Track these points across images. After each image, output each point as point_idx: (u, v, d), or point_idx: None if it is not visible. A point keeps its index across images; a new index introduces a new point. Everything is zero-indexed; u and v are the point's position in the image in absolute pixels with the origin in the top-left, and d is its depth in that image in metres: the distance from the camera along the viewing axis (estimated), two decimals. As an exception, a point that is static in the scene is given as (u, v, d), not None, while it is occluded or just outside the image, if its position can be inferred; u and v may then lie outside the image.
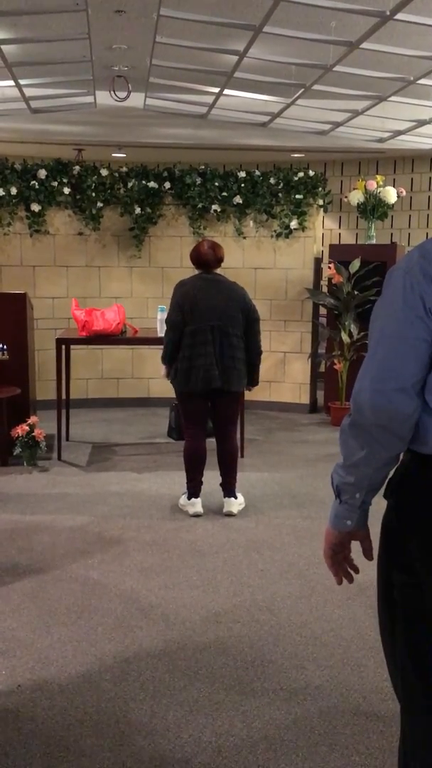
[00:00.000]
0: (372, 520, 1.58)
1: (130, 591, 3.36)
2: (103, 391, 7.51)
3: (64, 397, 5.82)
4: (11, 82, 5.78)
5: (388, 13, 4.11)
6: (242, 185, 7.21)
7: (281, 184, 7.16)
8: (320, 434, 6.50)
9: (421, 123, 6.83)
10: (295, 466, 5.49)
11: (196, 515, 4.32)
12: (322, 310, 7.36)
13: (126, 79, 5.82)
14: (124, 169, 7.25)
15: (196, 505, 4.35)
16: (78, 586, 3.40)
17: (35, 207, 7.04)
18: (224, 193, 7.24)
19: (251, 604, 3.25)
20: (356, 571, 1.67)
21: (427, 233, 8.72)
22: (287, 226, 7.20)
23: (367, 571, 1.71)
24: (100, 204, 7.17)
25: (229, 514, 4.35)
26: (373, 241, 7.19)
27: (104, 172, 7.16)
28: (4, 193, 6.91)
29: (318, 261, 7.43)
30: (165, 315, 5.24)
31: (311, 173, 7.19)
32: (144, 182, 7.20)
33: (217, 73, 5.62)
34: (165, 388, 4.72)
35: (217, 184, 7.23)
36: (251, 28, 4.53)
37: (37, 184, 7.00)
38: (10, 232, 7.09)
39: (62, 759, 2.23)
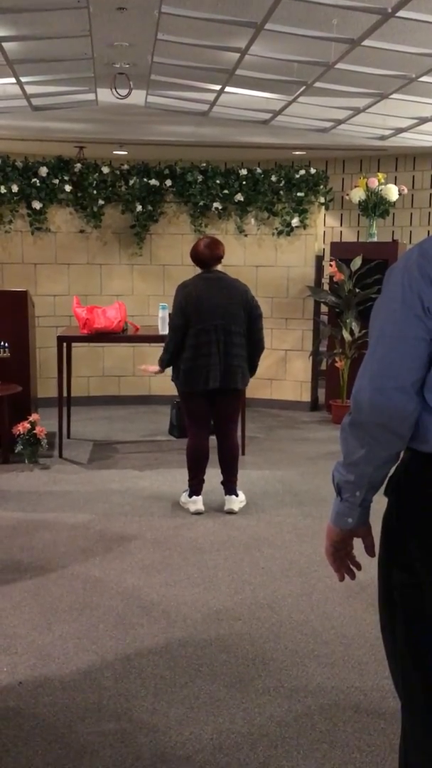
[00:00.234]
0: (373, 517, 1.58)
1: (131, 588, 3.36)
2: (105, 388, 7.51)
3: (65, 394, 5.82)
4: (12, 80, 5.77)
5: (389, 10, 4.11)
6: (244, 183, 7.21)
7: (283, 182, 7.15)
8: (321, 432, 6.50)
9: (423, 120, 6.82)
10: (296, 463, 5.49)
11: (198, 513, 4.33)
12: (324, 308, 7.36)
13: (127, 76, 5.82)
14: (126, 166, 7.25)
15: (198, 503, 4.35)
16: (79, 583, 3.40)
17: (36, 204, 7.04)
18: (225, 191, 7.23)
19: (252, 601, 3.25)
20: (358, 568, 1.68)
21: (428, 231, 8.72)
22: (289, 224, 7.19)
23: (368, 569, 1.71)
24: (101, 202, 7.17)
25: (230, 512, 4.36)
26: (375, 239, 7.19)
27: (105, 170, 7.16)
28: (5, 191, 6.91)
29: (319, 259, 7.42)
30: (166, 313, 5.26)
31: (313, 171, 7.18)
32: (145, 180, 7.19)
33: (219, 70, 5.62)
34: (166, 386, 4.72)
35: (218, 181, 7.22)
36: (253, 26, 4.53)
37: (38, 181, 7.00)
38: (11, 230, 7.09)
39: (64, 756, 2.23)
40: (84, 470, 5.26)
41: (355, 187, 7.14)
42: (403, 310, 1.42)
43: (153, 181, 7.20)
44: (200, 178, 7.21)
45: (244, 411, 5.46)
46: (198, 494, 4.38)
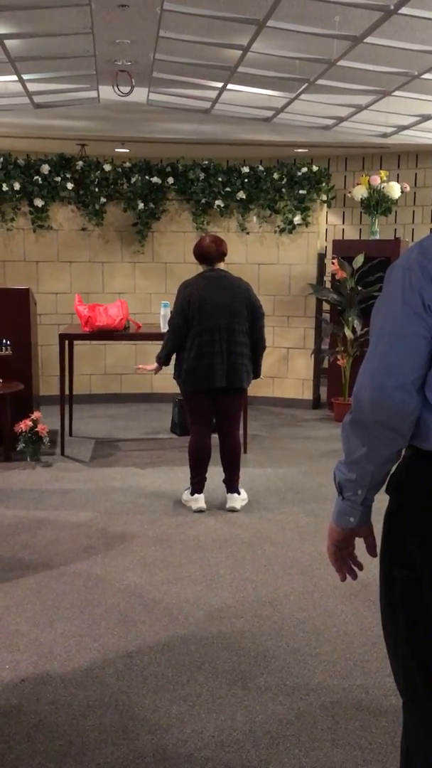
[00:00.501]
0: (376, 516, 1.58)
1: (133, 586, 3.36)
2: (107, 386, 7.52)
3: (67, 392, 5.83)
4: (14, 77, 5.77)
5: (392, 7, 4.09)
6: (246, 180, 7.20)
7: (285, 180, 7.14)
8: (323, 430, 6.50)
9: (426, 118, 6.80)
10: (298, 461, 5.49)
11: (200, 511, 4.33)
12: (326, 306, 7.35)
13: (129, 73, 5.81)
14: (128, 164, 7.25)
15: (200, 501, 4.35)
16: (81, 581, 3.41)
17: (38, 202, 7.04)
18: (228, 189, 7.23)
19: (254, 599, 3.25)
20: (360, 567, 1.67)
21: (431, 228, 8.70)
22: (291, 222, 7.19)
23: (370, 568, 1.71)
24: (103, 199, 7.17)
25: (232, 510, 4.36)
26: (377, 237, 7.18)
27: (107, 168, 7.16)
28: (7, 189, 6.91)
29: (321, 256, 7.42)
30: (168, 310, 5.25)
31: (315, 168, 7.17)
32: (147, 177, 7.19)
33: (221, 67, 5.60)
34: (168, 384, 4.72)
35: (220, 179, 7.22)
36: (255, 23, 4.52)
37: (40, 179, 7.00)
38: (13, 228, 7.09)
39: (65, 753, 2.24)
40: (86, 468, 5.27)
41: (358, 184, 7.13)
42: (404, 308, 1.42)
43: (155, 179, 7.20)
44: (202, 175, 7.20)
45: (246, 409, 5.46)
46: (200, 492, 4.38)
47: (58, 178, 7.05)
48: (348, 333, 6.67)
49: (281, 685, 2.60)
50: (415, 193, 8.67)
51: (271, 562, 3.66)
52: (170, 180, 7.25)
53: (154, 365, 4.45)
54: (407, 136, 7.46)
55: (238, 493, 4.44)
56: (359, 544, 1.63)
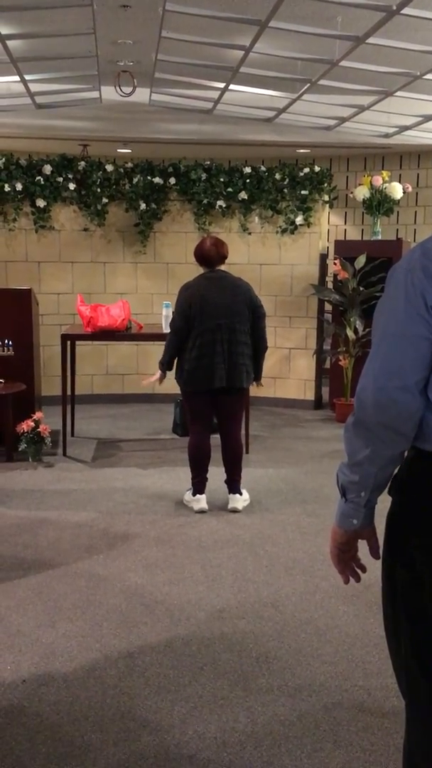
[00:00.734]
0: (378, 518, 1.58)
1: (134, 586, 3.36)
2: (108, 387, 7.52)
3: (69, 392, 5.83)
4: (16, 78, 5.77)
5: (394, 7, 4.09)
6: (247, 181, 7.20)
7: (287, 180, 7.14)
8: (325, 430, 6.49)
9: (428, 118, 6.80)
10: (300, 462, 5.48)
11: (201, 511, 4.33)
12: (328, 306, 7.35)
13: (131, 74, 5.82)
14: (130, 164, 7.25)
15: (201, 502, 4.35)
16: (83, 581, 3.41)
17: (40, 203, 7.04)
18: (229, 189, 7.23)
19: (256, 600, 3.25)
20: (363, 570, 1.67)
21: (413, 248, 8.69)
22: (292, 222, 7.18)
23: (372, 569, 1.71)
24: (105, 200, 7.17)
25: (234, 511, 4.36)
26: (379, 237, 7.17)
27: (109, 168, 7.16)
28: (9, 189, 6.92)
29: (323, 257, 7.41)
30: (170, 311, 5.25)
31: (317, 169, 7.17)
32: (149, 178, 7.19)
33: (223, 68, 5.61)
34: (170, 385, 4.71)
35: (222, 179, 7.21)
36: (257, 23, 4.52)
37: (42, 179, 7.00)
38: (15, 228, 7.10)
39: (67, 754, 2.24)
40: (88, 468, 5.27)
41: (360, 185, 7.12)
42: (406, 309, 1.42)
43: (157, 179, 7.20)
44: (204, 176, 7.20)
45: (248, 409, 5.46)
46: (201, 493, 4.38)
47: (60, 179, 7.05)
48: (350, 333, 6.66)
49: (283, 686, 2.60)
50: (417, 193, 8.67)
51: (272, 562, 3.66)
52: (172, 180, 7.25)
53: (157, 374, 4.43)
54: (409, 136, 7.46)
55: (240, 494, 4.43)
56: (362, 546, 1.62)
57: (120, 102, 6.27)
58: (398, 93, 5.99)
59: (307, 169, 7.12)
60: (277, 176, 7.15)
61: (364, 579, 1.71)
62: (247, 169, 7.20)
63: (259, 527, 4.14)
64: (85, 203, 7.19)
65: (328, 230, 8.03)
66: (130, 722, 2.39)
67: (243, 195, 7.19)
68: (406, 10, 4.12)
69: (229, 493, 4.42)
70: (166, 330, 5.44)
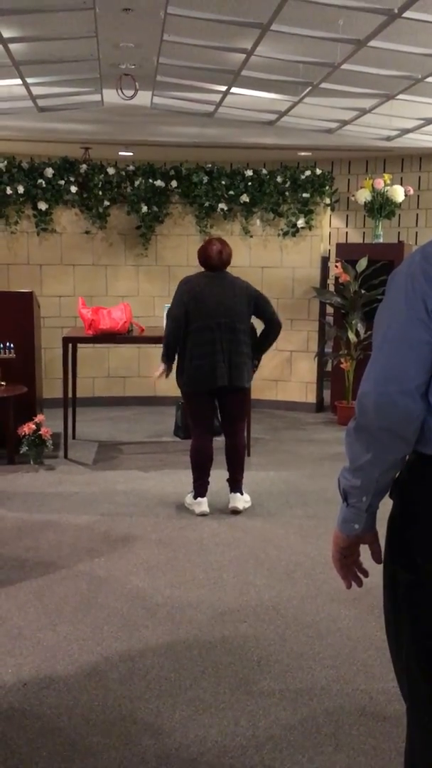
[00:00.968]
0: (379, 522, 1.57)
1: (136, 589, 3.36)
2: (110, 389, 7.52)
3: (70, 395, 5.83)
4: (18, 81, 5.79)
5: (395, 10, 4.10)
6: (249, 184, 7.20)
7: (288, 183, 7.15)
8: (327, 433, 6.49)
9: (429, 121, 6.81)
10: (302, 465, 5.48)
11: (203, 514, 4.32)
12: (329, 309, 7.35)
13: (133, 77, 5.83)
14: (131, 167, 7.25)
15: (203, 505, 4.35)
16: (84, 584, 3.40)
17: (42, 205, 7.05)
18: (231, 192, 7.23)
19: (257, 603, 3.24)
20: (365, 575, 1.67)
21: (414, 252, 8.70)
22: (294, 225, 7.19)
23: (374, 572, 1.70)
24: (106, 202, 7.18)
25: (235, 510, 4.35)
26: (381, 240, 7.17)
27: (111, 171, 7.17)
28: (11, 192, 6.92)
29: (325, 260, 7.42)
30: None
31: (318, 172, 7.17)
32: (151, 181, 7.20)
33: (225, 71, 5.62)
34: (171, 387, 4.71)
35: (223, 182, 7.22)
36: (259, 26, 4.53)
37: (44, 182, 7.01)
38: (17, 231, 7.11)
39: (68, 757, 2.23)
40: (89, 471, 5.27)
41: (361, 188, 7.13)
42: (407, 313, 1.42)
43: (158, 182, 7.21)
44: (206, 179, 7.21)
45: (249, 412, 5.45)
46: (203, 496, 4.37)
47: (62, 182, 7.06)
48: (351, 336, 6.66)
49: (284, 689, 2.59)
50: (418, 196, 8.67)
51: (274, 565, 3.65)
52: (174, 183, 7.26)
53: (162, 368, 4.41)
54: (411, 139, 7.47)
55: (241, 494, 4.43)
56: (364, 551, 1.62)
57: (122, 105, 6.29)
58: (400, 96, 6.00)
59: (308, 172, 7.13)
60: (279, 179, 7.15)
61: (365, 582, 1.71)
62: (249, 172, 7.21)
63: (260, 530, 4.13)
64: (87, 206, 7.19)
65: (330, 233, 8.03)
66: (131, 726, 2.39)
67: (244, 198, 7.19)
68: (407, 14, 4.12)
69: (231, 492, 4.41)
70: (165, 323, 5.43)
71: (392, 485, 1.55)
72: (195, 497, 4.39)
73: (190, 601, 3.25)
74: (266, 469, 5.36)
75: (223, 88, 6.06)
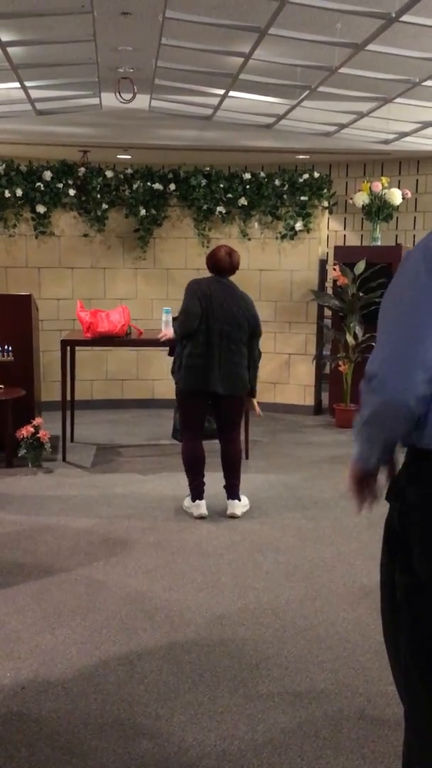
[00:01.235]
0: (378, 523, 1.57)
1: (134, 593, 3.35)
2: (108, 392, 7.52)
3: (69, 398, 5.82)
4: (17, 84, 5.79)
5: (393, 14, 4.11)
6: (247, 187, 7.21)
7: (286, 186, 7.16)
8: (325, 436, 6.49)
9: (427, 125, 6.82)
10: (300, 467, 5.48)
11: (201, 517, 4.32)
12: (327, 312, 7.36)
13: (131, 80, 5.83)
14: (130, 170, 7.26)
15: (201, 507, 4.35)
16: (82, 587, 3.40)
17: (40, 208, 7.05)
18: (229, 195, 7.24)
19: (256, 606, 3.24)
20: (377, 498, 1.67)
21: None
22: (292, 228, 7.19)
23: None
24: (105, 205, 7.19)
25: (233, 516, 4.35)
26: (378, 243, 7.18)
27: (109, 174, 7.17)
28: (9, 195, 6.93)
29: (323, 262, 7.42)
30: (170, 316, 5.25)
31: (316, 175, 7.18)
32: (149, 184, 7.21)
33: (223, 74, 5.62)
34: (170, 390, 4.71)
35: (222, 185, 7.23)
36: (256, 30, 4.54)
37: (42, 185, 7.01)
38: (15, 234, 7.11)
39: (66, 761, 2.23)
40: (87, 474, 5.26)
41: (359, 191, 7.14)
42: (422, 291, 1.44)
43: (157, 185, 7.21)
44: (204, 182, 7.22)
45: (248, 415, 5.46)
46: (200, 498, 4.37)
47: (61, 185, 7.06)
48: (349, 339, 6.67)
49: (283, 693, 2.59)
50: (416, 199, 8.69)
51: (272, 568, 3.65)
52: (172, 186, 7.27)
53: (170, 332, 4.39)
54: (408, 142, 7.48)
55: (239, 499, 4.43)
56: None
57: (120, 108, 6.29)
58: (397, 100, 6.01)
59: (306, 175, 7.14)
60: (277, 182, 7.16)
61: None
62: (247, 175, 7.22)
63: (259, 533, 4.13)
64: (85, 209, 7.20)
65: (328, 236, 8.04)
66: (129, 729, 2.38)
67: (243, 201, 7.20)
68: (405, 18, 4.13)
69: (228, 498, 4.42)
70: (167, 331, 5.43)
71: (390, 488, 1.55)
72: (193, 500, 4.39)
73: (188, 605, 3.24)
74: (264, 471, 5.36)
75: (221, 92, 6.07)
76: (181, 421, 4.48)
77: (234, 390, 4.26)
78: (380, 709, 2.50)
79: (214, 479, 4.45)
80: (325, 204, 7.22)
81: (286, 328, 7.35)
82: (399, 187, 7.32)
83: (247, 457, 5.45)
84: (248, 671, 2.72)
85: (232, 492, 4.41)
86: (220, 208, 7.25)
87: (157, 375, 7.31)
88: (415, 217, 8.88)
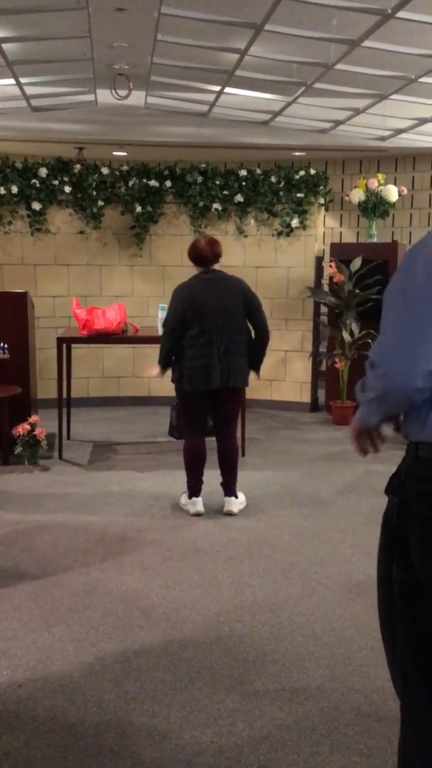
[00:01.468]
0: (376, 519, 1.57)
1: (131, 590, 3.35)
2: (104, 389, 7.51)
3: (65, 396, 5.81)
4: (12, 81, 5.77)
5: (389, 11, 4.10)
6: (243, 184, 7.20)
7: (282, 183, 7.15)
8: (321, 433, 6.49)
9: (423, 121, 6.82)
10: (297, 465, 5.48)
11: (197, 514, 4.32)
12: (324, 309, 7.35)
13: (127, 77, 5.82)
14: (125, 167, 7.25)
15: (197, 505, 4.35)
16: (79, 585, 3.40)
17: (36, 206, 7.03)
18: (225, 192, 7.23)
19: (252, 603, 3.24)
20: (382, 441, 1.71)
21: (428, 232, 8.71)
22: (288, 225, 7.19)
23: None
24: (101, 202, 7.17)
25: (229, 514, 4.35)
26: (375, 240, 7.18)
27: (105, 171, 7.16)
28: (5, 192, 6.91)
29: (319, 259, 7.42)
30: (165, 314, 5.24)
31: (312, 171, 7.18)
32: (145, 181, 7.19)
33: (219, 71, 5.61)
34: (166, 387, 4.71)
35: (218, 182, 7.22)
36: (252, 26, 4.52)
37: (38, 182, 6.99)
38: (11, 231, 7.09)
39: (63, 759, 2.23)
40: (84, 472, 5.26)
41: (355, 187, 7.13)
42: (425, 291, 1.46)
43: (153, 182, 7.20)
44: (200, 179, 7.21)
45: (244, 412, 5.45)
46: (197, 495, 4.37)
47: (56, 182, 7.04)
48: (346, 336, 6.67)
49: (280, 689, 2.59)
50: (412, 196, 8.68)
51: (269, 565, 3.65)
52: (168, 183, 7.25)
53: (157, 369, 4.43)
54: (405, 139, 7.48)
55: (236, 497, 4.43)
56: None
57: (115, 105, 6.28)
58: (393, 96, 6.00)
59: (302, 172, 7.13)
60: (273, 179, 7.15)
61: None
62: (243, 172, 7.21)
63: (255, 530, 4.13)
64: (81, 206, 7.18)
65: (324, 233, 8.03)
66: (126, 727, 2.38)
67: (239, 198, 7.19)
68: (401, 14, 4.13)
69: (225, 495, 4.41)
70: (162, 332, 5.43)
71: (389, 482, 1.55)
72: (189, 497, 4.39)
73: (185, 602, 3.24)
74: (261, 469, 5.36)
75: (217, 88, 6.06)
76: (184, 419, 4.47)
77: (234, 382, 4.25)
78: (376, 705, 2.51)
79: (210, 476, 4.45)
80: (322, 201, 7.21)
81: (282, 326, 7.34)
82: (395, 184, 7.32)
83: (243, 455, 5.45)
84: (245, 668, 2.73)
85: (229, 489, 4.41)
86: (216, 205, 7.24)
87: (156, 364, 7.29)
88: (411, 214, 8.88)
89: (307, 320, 7.32)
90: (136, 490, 4.82)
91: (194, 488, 4.38)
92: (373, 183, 6.93)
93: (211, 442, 4.47)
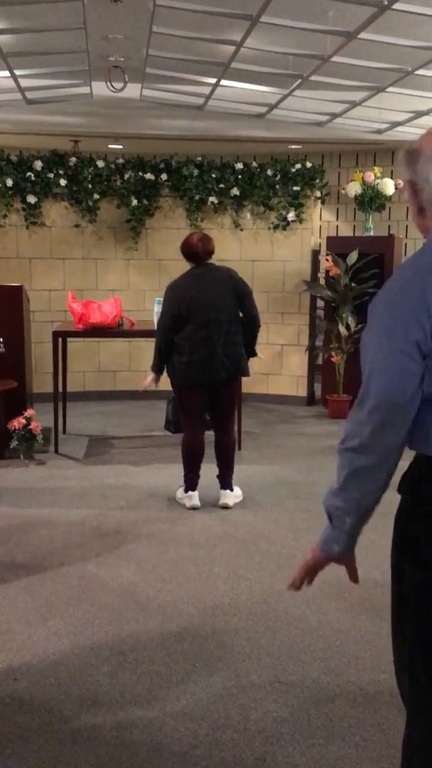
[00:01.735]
0: (388, 516, 1.57)
1: (127, 584, 3.35)
2: (100, 383, 7.50)
3: (60, 389, 5.81)
4: (6, 73, 5.73)
5: (386, 2, 4.08)
6: (239, 177, 7.19)
7: (278, 176, 7.13)
8: (318, 427, 6.49)
9: (419, 114, 6.79)
10: (293, 458, 5.48)
11: (194, 508, 4.32)
12: (320, 303, 7.35)
13: (122, 69, 5.79)
14: (121, 160, 7.22)
15: (193, 498, 4.35)
16: (75, 579, 3.40)
17: (31, 199, 7.01)
18: (221, 185, 7.21)
19: (248, 596, 3.25)
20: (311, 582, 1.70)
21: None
22: (285, 218, 7.18)
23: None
24: (96, 196, 7.15)
25: (225, 507, 4.35)
26: (371, 233, 7.17)
27: (101, 164, 7.13)
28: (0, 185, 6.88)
29: (315, 253, 7.41)
30: (161, 308, 5.23)
31: (309, 165, 7.16)
32: (141, 174, 7.17)
33: (214, 63, 5.58)
34: (162, 382, 4.70)
35: (214, 175, 7.20)
36: (248, 18, 4.50)
37: (33, 175, 6.97)
38: (5, 224, 7.06)
39: (59, 752, 2.23)
40: (80, 466, 5.25)
41: (351, 181, 7.12)
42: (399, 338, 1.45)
43: (148, 175, 7.18)
44: (196, 172, 7.19)
45: (240, 406, 5.45)
46: (194, 489, 4.37)
47: (51, 175, 7.02)
48: (342, 329, 6.66)
49: (275, 682, 2.60)
50: (408, 189, 8.66)
51: (265, 559, 3.65)
52: (164, 176, 7.23)
53: (151, 376, 4.43)
54: (401, 132, 7.45)
55: (231, 490, 4.43)
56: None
57: (111, 97, 6.24)
58: (390, 89, 5.98)
59: (298, 165, 7.12)
60: (269, 172, 7.13)
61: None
62: (239, 165, 7.19)
63: (251, 524, 4.14)
64: (77, 199, 7.16)
65: (320, 226, 8.02)
66: (122, 719, 2.38)
67: (235, 191, 7.17)
68: (397, 6, 4.11)
69: (221, 488, 4.42)
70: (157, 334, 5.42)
71: (401, 481, 1.54)
72: (186, 491, 4.39)
73: (180, 595, 3.25)
74: (257, 462, 5.36)
75: (213, 81, 6.03)
76: (182, 411, 4.47)
77: (235, 372, 4.25)
78: (372, 697, 2.51)
79: (206, 469, 4.45)
80: (318, 194, 7.20)
81: (278, 319, 7.34)
82: (391, 177, 7.30)
83: (240, 448, 5.45)
84: (240, 661, 2.73)
85: (225, 482, 4.42)
86: (212, 199, 7.22)
87: (149, 366, 7.27)
88: (407, 208, 8.84)
89: (303, 314, 7.31)
90: (132, 484, 4.82)
91: (191, 482, 4.38)
92: (370, 176, 6.91)
93: (207, 436, 4.47)
